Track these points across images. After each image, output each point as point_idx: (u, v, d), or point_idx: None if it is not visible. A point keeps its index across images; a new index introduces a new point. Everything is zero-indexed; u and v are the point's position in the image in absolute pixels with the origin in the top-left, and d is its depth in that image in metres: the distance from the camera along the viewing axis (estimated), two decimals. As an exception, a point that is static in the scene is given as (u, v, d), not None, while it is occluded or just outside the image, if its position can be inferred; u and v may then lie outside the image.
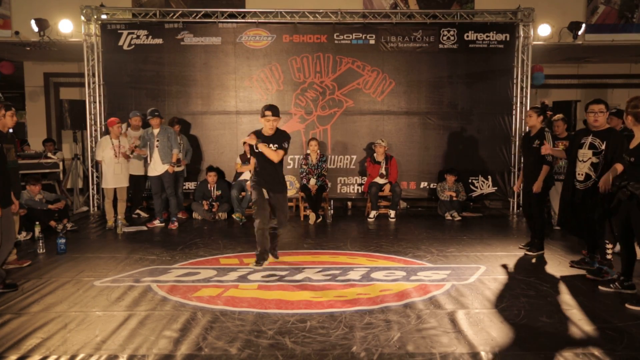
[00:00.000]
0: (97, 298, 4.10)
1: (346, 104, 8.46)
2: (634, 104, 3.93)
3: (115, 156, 6.96)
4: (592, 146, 4.62)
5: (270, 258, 5.15)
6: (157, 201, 7.17)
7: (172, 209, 7.14)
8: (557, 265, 5.12)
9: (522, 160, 6.12)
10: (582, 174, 4.70)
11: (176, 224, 7.08)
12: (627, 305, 3.86)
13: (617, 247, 4.48)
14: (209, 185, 7.78)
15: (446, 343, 3.24)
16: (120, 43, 8.27)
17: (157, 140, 6.95)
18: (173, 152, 7.03)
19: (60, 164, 8.45)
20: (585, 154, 4.66)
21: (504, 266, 5.08)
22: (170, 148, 7.00)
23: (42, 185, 6.88)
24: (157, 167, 7.02)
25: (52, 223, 6.57)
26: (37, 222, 6.18)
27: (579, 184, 4.74)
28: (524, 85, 8.35)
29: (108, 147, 6.97)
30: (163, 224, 7.15)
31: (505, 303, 3.97)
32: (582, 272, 4.78)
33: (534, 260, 5.32)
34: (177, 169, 7.16)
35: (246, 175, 7.75)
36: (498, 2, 8.44)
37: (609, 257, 4.65)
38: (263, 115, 4.79)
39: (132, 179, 7.36)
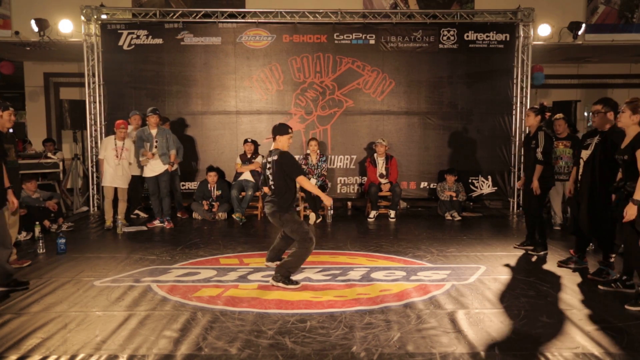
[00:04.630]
0: (97, 298, 4.10)
1: (346, 104, 8.46)
2: (636, 104, 3.94)
3: (117, 157, 6.96)
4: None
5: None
6: (155, 202, 7.17)
7: (166, 208, 7.14)
8: (557, 265, 5.11)
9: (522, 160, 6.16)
10: (582, 174, 4.69)
11: (171, 223, 7.10)
12: (626, 307, 3.85)
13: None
14: (209, 185, 7.78)
15: (446, 343, 3.24)
16: (120, 43, 8.26)
17: (156, 141, 6.97)
18: (171, 153, 7.07)
19: (60, 164, 8.44)
20: (587, 154, 4.65)
21: (504, 266, 5.08)
22: (168, 149, 7.05)
23: (38, 184, 6.89)
24: (155, 168, 7.03)
25: (46, 223, 6.54)
26: (37, 222, 6.18)
27: (574, 185, 4.75)
28: (524, 85, 8.35)
29: (110, 148, 6.98)
30: (163, 224, 7.15)
31: (505, 303, 3.98)
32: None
33: (534, 259, 5.33)
34: (172, 168, 7.19)
35: (246, 176, 7.75)
36: (498, 2, 8.44)
37: (612, 260, 4.65)
38: (284, 133, 4.57)
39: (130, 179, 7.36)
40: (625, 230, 3.95)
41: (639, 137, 3.89)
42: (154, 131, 7.03)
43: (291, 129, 4.63)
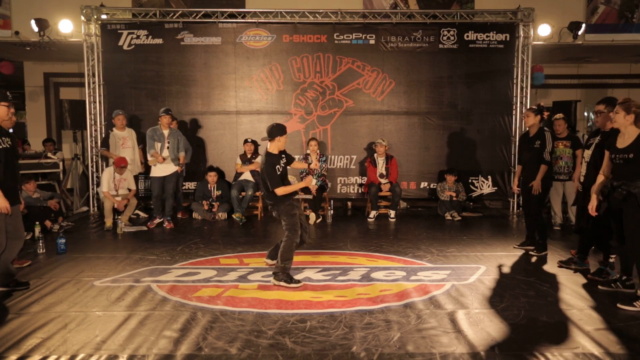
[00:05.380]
0: (97, 298, 4.10)
1: (346, 104, 8.46)
2: (629, 104, 3.93)
3: (116, 190, 7.04)
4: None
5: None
6: (157, 202, 7.17)
7: (168, 209, 7.14)
8: (557, 265, 5.11)
9: (518, 159, 6.11)
10: (585, 175, 4.69)
11: (171, 223, 7.10)
12: (619, 305, 3.85)
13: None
14: (209, 185, 7.78)
15: (446, 343, 3.24)
16: (120, 43, 8.27)
17: (168, 142, 6.97)
18: (180, 154, 7.11)
19: (60, 164, 8.44)
20: (590, 154, 4.64)
21: (504, 266, 5.08)
22: (179, 151, 7.09)
23: (38, 184, 6.89)
24: (165, 169, 7.03)
25: (48, 223, 6.54)
26: (37, 222, 6.18)
27: (581, 186, 4.74)
28: (524, 85, 8.35)
29: (110, 180, 7.04)
30: (163, 224, 7.14)
31: (505, 303, 3.98)
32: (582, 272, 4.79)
33: (534, 259, 5.32)
34: (180, 169, 7.22)
35: (246, 176, 7.75)
36: (498, 2, 8.44)
37: (611, 260, 4.64)
38: (284, 134, 4.55)
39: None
40: (629, 226, 3.93)
41: None
42: (165, 132, 7.03)
43: (286, 128, 4.62)
